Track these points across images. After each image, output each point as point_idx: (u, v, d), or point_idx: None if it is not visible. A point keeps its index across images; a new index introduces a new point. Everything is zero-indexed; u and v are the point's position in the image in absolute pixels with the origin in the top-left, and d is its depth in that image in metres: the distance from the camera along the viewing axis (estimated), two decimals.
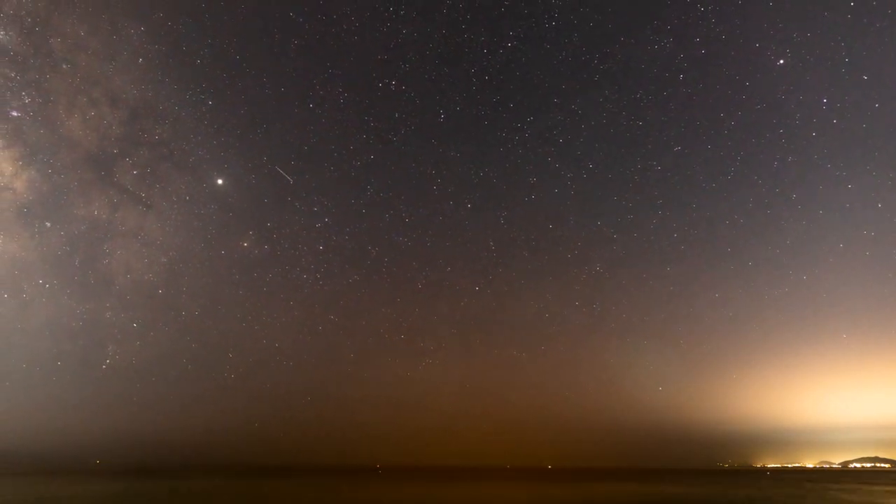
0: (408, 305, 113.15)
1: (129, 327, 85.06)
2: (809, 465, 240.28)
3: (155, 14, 71.78)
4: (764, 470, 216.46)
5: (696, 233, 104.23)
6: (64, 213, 78.93)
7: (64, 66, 69.86)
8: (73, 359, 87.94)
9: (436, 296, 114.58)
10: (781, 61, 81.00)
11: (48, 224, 77.22)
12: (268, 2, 78.93)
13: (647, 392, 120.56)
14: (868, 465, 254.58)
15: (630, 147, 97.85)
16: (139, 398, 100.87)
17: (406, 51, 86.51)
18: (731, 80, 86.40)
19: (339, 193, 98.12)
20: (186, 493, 41.68)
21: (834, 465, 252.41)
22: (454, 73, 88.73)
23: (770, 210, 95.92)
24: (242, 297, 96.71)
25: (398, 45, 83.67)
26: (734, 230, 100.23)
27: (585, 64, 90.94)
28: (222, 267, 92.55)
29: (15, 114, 69.66)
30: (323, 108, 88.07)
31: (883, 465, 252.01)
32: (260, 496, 40.31)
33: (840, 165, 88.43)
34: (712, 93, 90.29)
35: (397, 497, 40.68)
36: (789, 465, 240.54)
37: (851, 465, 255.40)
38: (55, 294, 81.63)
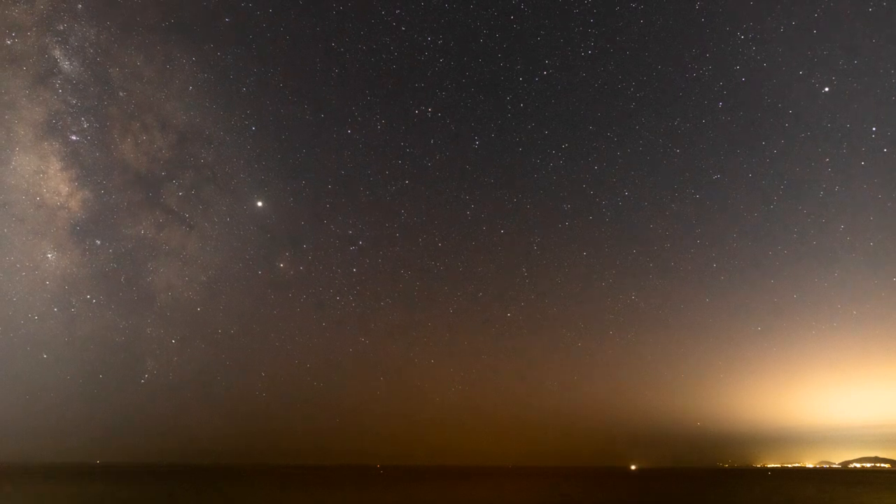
0: (438, 330, 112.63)
1: (167, 343, 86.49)
2: (809, 465, 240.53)
3: (206, 45, 76.48)
4: (764, 470, 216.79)
5: (738, 264, 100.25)
6: (113, 231, 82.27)
7: (120, 94, 74.03)
8: (114, 372, 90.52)
9: (467, 321, 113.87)
10: (826, 89, 77.80)
11: (98, 242, 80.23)
12: (311, 33, 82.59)
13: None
14: (868, 465, 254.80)
15: (667, 175, 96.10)
16: (174, 412, 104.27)
17: (443, 79, 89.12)
18: (773, 107, 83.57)
19: (373, 217, 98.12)
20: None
21: (834, 465, 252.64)
22: (489, 100, 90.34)
23: (816, 241, 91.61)
24: (277, 316, 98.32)
25: (435, 73, 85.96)
26: (778, 261, 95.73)
27: (621, 92, 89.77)
28: (258, 287, 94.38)
29: (74, 138, 72.96)
30: (360, 133, 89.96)
31: (883, 465, 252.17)
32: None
33: (892, 196, 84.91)
34: (753, 121, 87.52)
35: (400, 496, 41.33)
36: (789, 465, 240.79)
37: (851, 465, 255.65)
38: (101, 309, 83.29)
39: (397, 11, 77.47)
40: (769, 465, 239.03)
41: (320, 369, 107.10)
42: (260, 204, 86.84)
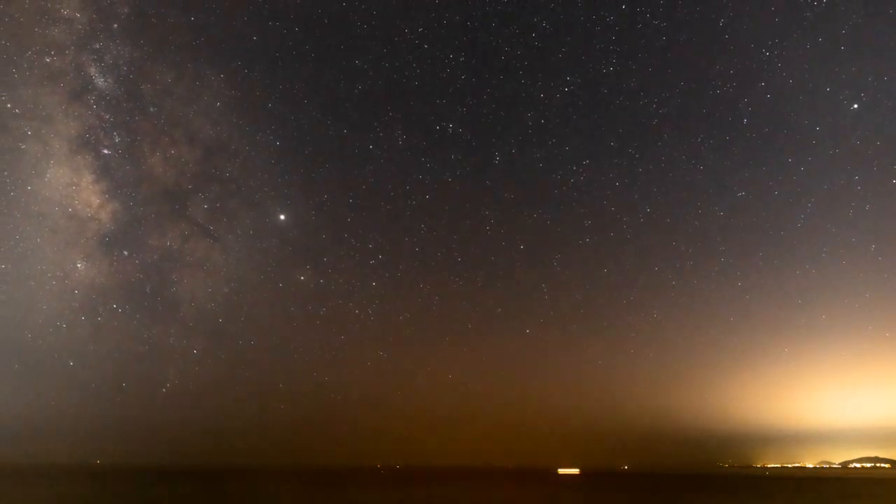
0: (457, 345, 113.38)
1: (189, 353, 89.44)
2: (809, 465, 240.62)
3: (234, 63, 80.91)
4: (764, 470, 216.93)
5: (764, 282, 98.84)
6: (140, 243, 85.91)
7: (151, 110, 78.50)
8: (136, 381, 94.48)
9: (485, 337, 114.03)
10: (855, 106, 77.69)
11: (126, 252, 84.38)
12: (335, 51, 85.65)
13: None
14: (868, 465, 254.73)
15: (690, 191, 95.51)
16: (194, 422, 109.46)
17: (464, 95, 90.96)
18: (799, 124, 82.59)
19: (393, 231, 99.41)
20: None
21: (834, 465, 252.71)
22: (510, 116, 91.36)
23: (846, 261, 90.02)
24: (296, 328, 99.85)
25: (457, 90, 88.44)
26: (806, 281, 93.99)
27: (643, 108, 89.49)
28: (279, 299, 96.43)
29: (106, 151, 77.70)
30: (382, 149, 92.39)
31: (883, 465, 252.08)
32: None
33: None
34: (779, 138, 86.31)
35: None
36: (789, 465, 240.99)
37: (851, 465, 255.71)
38: (126, 318, 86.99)
39: (420, 30, 79.39)
40: (769, 465, 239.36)
41: (337, 382, 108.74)
42: (282, 217, 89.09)
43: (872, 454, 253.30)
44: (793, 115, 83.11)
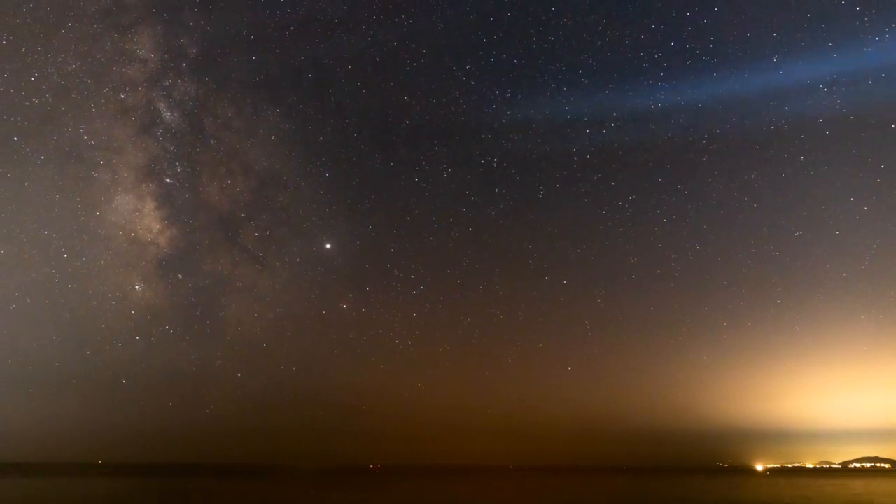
0: (496, 380, 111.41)
1: (233, 377, 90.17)
2: (809, 465, 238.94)
3: (290, 98, 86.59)
4: (764, 470, 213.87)
5: (823, 327, 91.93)
6: (194, 267, 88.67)
7: (212, 142, 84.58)
8: (182, 402, 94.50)
9: (526, 373, 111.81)
10: None
11: (180, 276, 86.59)
12: (385, 87, 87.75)
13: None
14: (868, 465, 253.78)
15: (743, 230, 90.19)
16: (232, 442, 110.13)
17: (509, 130, 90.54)
18: (861, 161, 78.54)
19: (436, 263, 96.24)
20: None
21: (834, 465, 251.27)
22: (555, 150, 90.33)
23: None
24: (337, 356, 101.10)
25: (502, 125, 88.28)
26: (871, 327, 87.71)
27: (693, 143, 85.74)
28: (321, 326, 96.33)
29: (168, 180, 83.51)
30: (427, 181, 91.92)
31: (883, 465, 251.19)
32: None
33: None
34: (839, 175, 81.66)
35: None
36: (789, 465, 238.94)
37: (852, 465, 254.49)
38: (177, 340, 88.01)
39: (468, 66, 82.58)
40: (769, 465, 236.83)
41: (375, 412, 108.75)
42: (328, 246, 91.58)
43: (872, 454, 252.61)
44: (854, 152, 78.19)
